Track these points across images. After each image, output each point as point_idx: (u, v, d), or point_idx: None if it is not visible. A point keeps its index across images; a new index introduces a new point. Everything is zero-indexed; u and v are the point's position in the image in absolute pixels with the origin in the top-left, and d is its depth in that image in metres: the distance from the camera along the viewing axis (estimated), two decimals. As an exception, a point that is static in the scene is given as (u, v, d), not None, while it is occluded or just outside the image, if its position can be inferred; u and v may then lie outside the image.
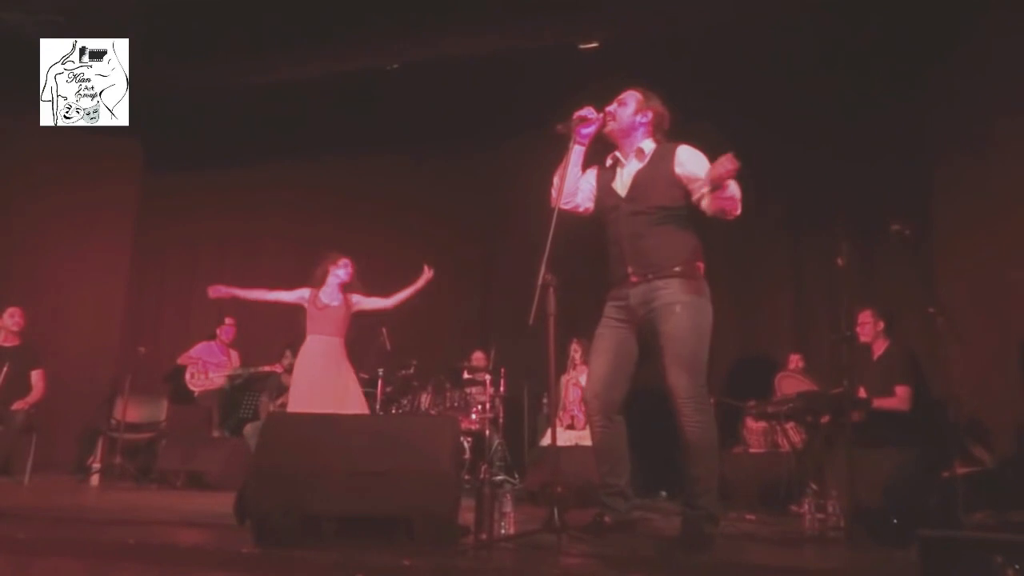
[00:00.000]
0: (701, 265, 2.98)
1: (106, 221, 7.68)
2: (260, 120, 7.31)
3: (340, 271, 5.00)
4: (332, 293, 4.97)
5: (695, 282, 2.92)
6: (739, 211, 2.85)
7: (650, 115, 3.13)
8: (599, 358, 3.09)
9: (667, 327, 2.87)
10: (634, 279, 2.99)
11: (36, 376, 5.96)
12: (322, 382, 4.77)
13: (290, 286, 5.16)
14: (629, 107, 3.12)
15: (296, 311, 5.05)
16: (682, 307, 2.87)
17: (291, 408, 4.83)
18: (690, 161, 2.97)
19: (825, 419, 4.51)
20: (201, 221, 8.00)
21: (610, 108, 3.14)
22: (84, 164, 7.27)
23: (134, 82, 5.07)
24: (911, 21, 5.49)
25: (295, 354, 6.43)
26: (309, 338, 4.91)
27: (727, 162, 2.65)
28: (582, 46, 6.15)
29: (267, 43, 6.28)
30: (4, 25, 5.91)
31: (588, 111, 3.11)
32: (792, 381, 5.24)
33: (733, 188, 2.78)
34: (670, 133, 3.17)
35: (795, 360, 5.65)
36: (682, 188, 2.98)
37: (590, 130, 3.13)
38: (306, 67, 6.62)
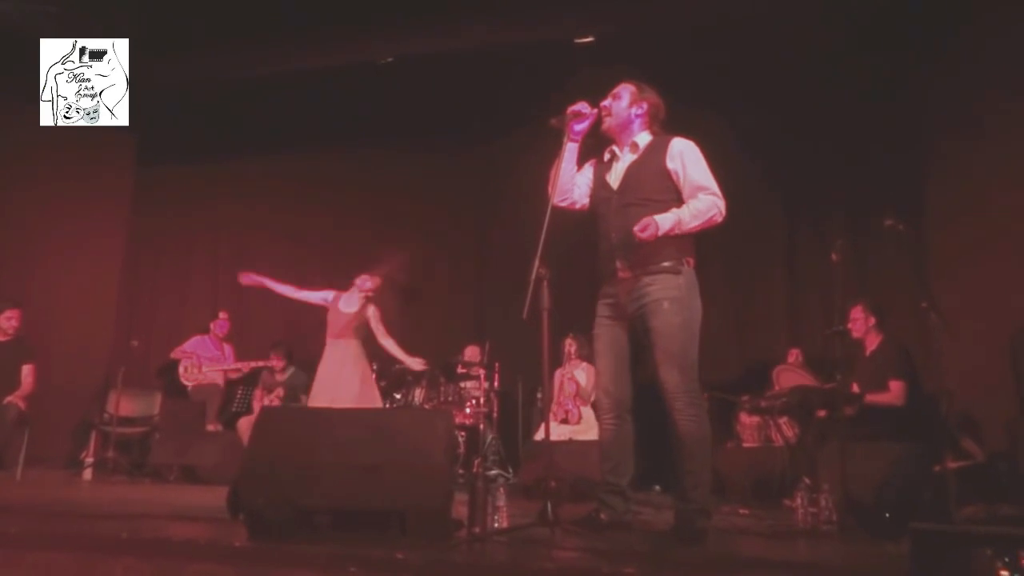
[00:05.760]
0: (691, 260, 2.97)
1: (99, 213, 7.61)
2: (254, 112, 7.27)
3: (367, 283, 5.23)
4: (351, 300, 5.19)
5: (684, 277, 2.92)
6: (720, 220, 2.90)
7: (645, 107, 3.10)
8: (602, 358, 3.10)
9: (656, 323, 2.88)
10: (622, 274, 2.99)
11: (26, 371, 5.93)
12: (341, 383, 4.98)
13: (284, 278, 5.16)
14: (623, 100, 3.11)
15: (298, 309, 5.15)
16: (670, 303, 2.87)
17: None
18: (681, 156, 2.97)
19: (818, 414, 4.53)
20: (195, 213, 7.97)
21: (604, 103, 3.12)
22: (77, 155, 7.21)
23: (133, 79, 5.06)
24: (904, 13, 5.49)
25: (285, 354, 6.45)
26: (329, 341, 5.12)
27: (640, 231, 2.77)
28: (577, 40, 6.13)
29: (261, 36, 6.25)
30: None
31: (582, 106, 3.09)
32: (790, 374, 5.25)
33: (690, 220, 2.85)
34: (666, 123, 3.16)
35: (795, 354, 5.67)
36: (673, 181, 2.98)
37: (583, 126, 3.11)
38: (301, 60, 6.59)
